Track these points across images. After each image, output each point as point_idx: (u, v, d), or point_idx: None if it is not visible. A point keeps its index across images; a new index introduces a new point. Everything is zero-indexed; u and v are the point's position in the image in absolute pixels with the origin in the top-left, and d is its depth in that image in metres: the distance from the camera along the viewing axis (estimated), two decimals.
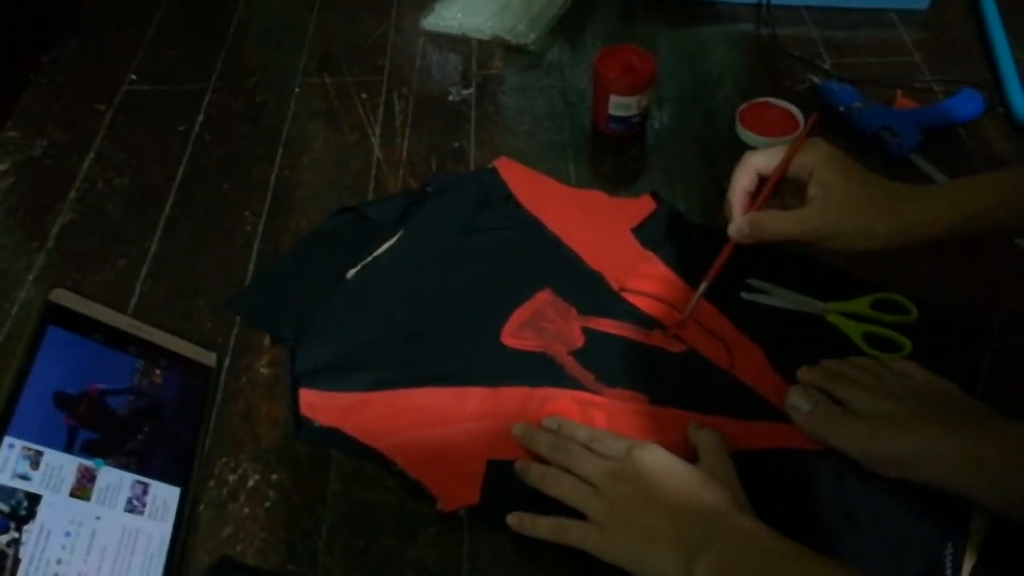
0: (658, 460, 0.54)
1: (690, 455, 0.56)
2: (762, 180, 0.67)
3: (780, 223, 0.64)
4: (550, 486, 0.56)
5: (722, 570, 0.48)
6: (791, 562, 0.47)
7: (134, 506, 0.54)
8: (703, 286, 0.66)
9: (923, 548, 0.54)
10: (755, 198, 0.67)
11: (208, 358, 0.66)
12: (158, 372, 0.60)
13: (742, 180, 0.66)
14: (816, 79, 0.86)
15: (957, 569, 0.53)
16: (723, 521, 0.50)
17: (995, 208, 0.59)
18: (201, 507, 0.59)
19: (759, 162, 0.66)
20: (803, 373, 0.62)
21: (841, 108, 0.82)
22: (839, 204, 0.62)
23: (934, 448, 0.53)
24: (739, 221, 0.66)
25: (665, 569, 0.50)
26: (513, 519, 0.55)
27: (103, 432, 0.54)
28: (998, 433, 0.53)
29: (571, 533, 0.53)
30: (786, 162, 0.64)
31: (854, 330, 0.65)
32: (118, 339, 0.58)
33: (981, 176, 0.62)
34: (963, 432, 0.53)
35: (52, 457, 0.51)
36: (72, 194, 0.80)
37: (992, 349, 0.64)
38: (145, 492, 0.55)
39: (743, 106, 0.83)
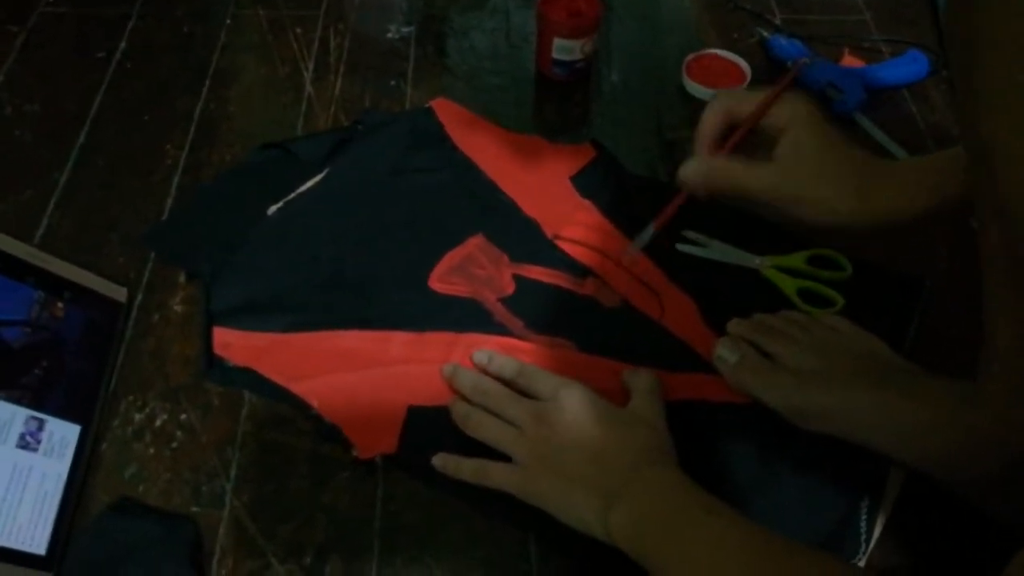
0: (583, 402, 0.53)
1: (617, 402, 0.54)
2: (730, 128, 0.61)
3: (740, 175, 0.59)
4: (473, 428, 0.55)
5: (636, 519, 0.47)
6: (705, 516, 0.46)
7: (27, 442, 0.51)
8: (650, 227, 0.63)
9: (839, 503, 0.54)
10: (721, 145, 0.62)
11: (119, 293, 0.62)
12: (60, 305, 0.57)
13: (712, 121, 0.61)
14: (765, 33, 0.85)
15: (871, 524, 0.53)
16: (643, 469, 0.49)
17: None
18: (104, 446, 0.56)
19: (733, 105, 0.61)
20: (733, 325, 0.61)
21: (789, 63, 0.81)
22: (806, 169, 0.58)
23: (855, 403, 0.53)
24: (698, 162, 0.61)
25: (584, 513, 0.49)
26: (439, 460, 0.54)
27: None
28: (919, 390, 0.52)
29: (494, 475, 0.52)
30: (762, 110, 0.60)
31: (788, 285, 0.64)
32: (16, 269, 0.54)
33: (957, 149, 0.57)
34: (885, 388, 0.53)
35: None
36: None
37: (922, 307, 0.64)
38: (40, 428, 0.52)
39: (690, 57, 0.81)
